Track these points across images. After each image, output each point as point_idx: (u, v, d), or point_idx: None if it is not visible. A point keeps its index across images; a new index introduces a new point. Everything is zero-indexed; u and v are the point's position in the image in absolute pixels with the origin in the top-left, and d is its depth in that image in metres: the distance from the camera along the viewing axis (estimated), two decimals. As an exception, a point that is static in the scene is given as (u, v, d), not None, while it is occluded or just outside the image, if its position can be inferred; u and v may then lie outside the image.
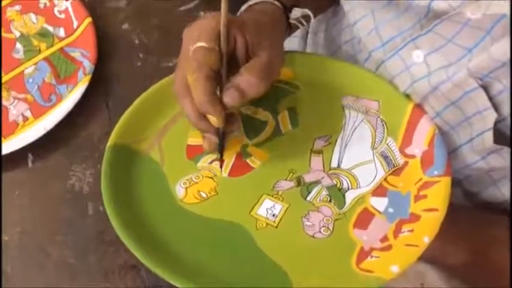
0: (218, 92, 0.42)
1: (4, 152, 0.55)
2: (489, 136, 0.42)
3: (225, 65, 0.42)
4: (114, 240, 0.51)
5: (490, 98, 0.42)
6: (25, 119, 0.58)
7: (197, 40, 0.41)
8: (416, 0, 0.44)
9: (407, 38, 0.47)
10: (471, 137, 0.45)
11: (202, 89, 0.40)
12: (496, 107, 0.42)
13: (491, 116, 0.42)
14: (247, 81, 0.41)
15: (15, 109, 0.58)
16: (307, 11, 0.51)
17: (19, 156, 0.56)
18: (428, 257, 0.40)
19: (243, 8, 0.50)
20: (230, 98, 0.41)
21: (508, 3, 0.38)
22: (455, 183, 0.46)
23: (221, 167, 0.47)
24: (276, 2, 0.49)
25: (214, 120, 0.42)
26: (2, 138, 0.56)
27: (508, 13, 0.39)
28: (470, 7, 0.40)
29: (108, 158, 0.46)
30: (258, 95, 0.42)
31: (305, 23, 0.52)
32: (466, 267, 0.47)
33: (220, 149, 0.46)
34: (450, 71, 0.44)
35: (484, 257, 0.46)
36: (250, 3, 0.50)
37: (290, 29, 0.52)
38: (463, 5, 0.41)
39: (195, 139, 0.49)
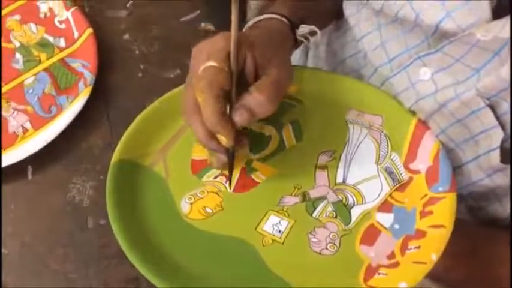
0: (228, 111, 0.42)
1: (3, 164, 0.54)
2: (496, 155, 0.43)
3: (235, 85, 0.42)
4: (115, 254, 0.51)
5: (497, 117, 0.43)
6: (25, 130, 0.57)
7: (207, 60, 0.41)
8: (424, 19, 0.44)
9: (414, 55, 0.47)
10: (477, 154, 0.45)
11: (212, 109, 0.40)
12: (503, 126, 0.43)
13: (498, 135, 0.42)
14: (257, 100, 0.41)
15: (14, 120, 0.58)
16: (315, 28, 0.51)
17: (19, 168, 0.55)
18: (430, 272, 0.40)
19: (250, 23, 0.50)
20: (240, 118, 0.41)
21: None
22: (459, 199, 0.47)
23: (230, 185, 0.47)
24: (283, 19, 0.49)
25: (224, 139, 0.41)
26: (2, 150, 0.55)
27: None
28: (480, 29, 0.41)
29: (112, 174, 0.45)
30: (268, 114, 0.42)
31: (311, 39, 0.52)
32: (468, 283, 0.48)
33: (230, 168, 0.45)
34: (458, 89, 0.45)
35: (486, 273, 0.47)
36: (256, 19, 0.50)
37: (296, 45, 0.52)
38: (473, 27, 0.41)
39: (199, 154, 0.49)
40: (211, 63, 0.40)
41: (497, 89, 0.42)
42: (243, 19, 0.55)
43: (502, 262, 0.46)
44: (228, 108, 0.42)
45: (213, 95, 0.40)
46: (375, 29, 0.51)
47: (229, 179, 0.46)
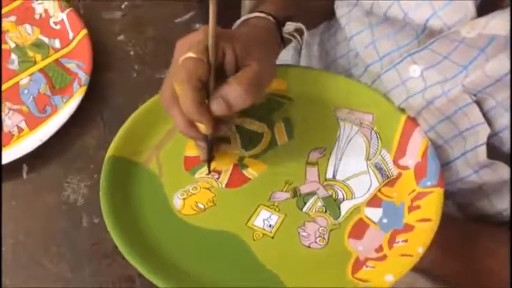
0: (207, 100, 0.43)
1: (-2, 163, 0.55)
2: (482, 151, 0.43)
3: (213, 76, 0.43)
4: (109, 253, 0.51)
5: (484, 114, 0.43)
6: (20, 130, 0.57)
7: (187, 51, 0.42)
8: (412, 18, 0.45)
9: (404, 53, 0.48)
10: (465, 150, 0.46)
11: (190, 99, 0.41)
12: (489, 122, 0.43)
13: (485, 131, 0.43)
14: (235, 91, 0.41)
15: (9, 120, 0.58)
16: (300, 25, 0.52)
17: (14, 167, 0.56)
18: (420, 267, 0.41)
19: (238, 22, 0.51)
20: (217, 107, 0.42)
21: (503, 25, 0.39)
22: (448, 196, 0.47)
23: (209, 172, 0.48)
24: (269, 17, 0.50)
25: (202, 127, 0.42)
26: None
27: (502, 33, 0.40)
28: (465, 26, 0.41)
29: (106, 170, 0.46)
30: (245, 106, 0.42)
31: (298, 37, 0.53)
32: (457, 278, 0.48)
33: (209, 156, 0.47)
34: (446, 86, 0.45)
35: (475, 268, 0.47)
36: (244, 17, 0.51)
37: (284, 42, 0.53)
38: (459, 24, 0.42)
39: (192, 151, 0.49)
40: (190, 54, 0.41)
41: (483, 85, 0.43)
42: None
43: (492, 257, 0.46)
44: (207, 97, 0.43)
45: (191, 85, 0.40)
46: (366, 28, 0.51)
47: (208, 166, 0.47)
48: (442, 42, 0.44)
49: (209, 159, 0.47)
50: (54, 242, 0.53)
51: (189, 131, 0.43)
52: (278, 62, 0.54)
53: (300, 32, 0.52)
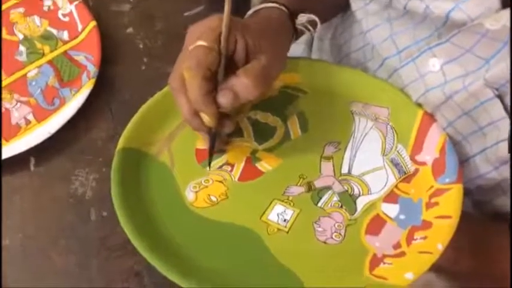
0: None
1: (6, 155, 0.54)
2: (504, 146, 0.43)
3: (223, 66, 0.42)
4: (117, 246, 0.51)
5: (505, 108, 0.43)
6: (28, 122, 0.57)
7: (198, 38, 0.41)
8: (433, 10, 0.44)
9: (424, 46, 0.47)
10: (485, 147, 0.45)
11: (198, 88, 0.40)
12: (510, 117, 0.42)
13: (507, 126, 0.42)
14: (243, 83, 0.41)
15: (17, 112, 0.58)
16: (314, 17, 0.51)
17: (21, 159, 0.55)
18: (436, 264, 0.40)
19: (250, 12, 0.50)
20: (224, 98, 0.41)
21: None
22: (466, 193, 0.46)
23: (209, 167, 0.47)
24: (282, 7, 0.49)
25: (206, 118, 0.42)
26: (5, 142, 0.55)
27: None
28: (489, 19, 0.41)
29: (117, 162, 0.45)
30: (253, 98, 0.42)
31: (311, 29, 0.52)
32: (473, 275, 0.48)
33: (211, 150, 0.46)
34: (467, 80, 0.44)
35: (491, 265, 0.46)
36: (256, 8, 0.50)
37: (296, 34, 0.52)
38: (482, 16, 0.41)
39: (203, 143, 0.49)
40: (202, 42, 0.41)
41: (506, 77, 0.42)
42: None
43: (508, 255, 0.46)
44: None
45: (200, 74, 0.40)
46: (384, 22, 0.51)
47: (209, 160, 0.47)
48: (464, 35, 0.43)
49: (211, 153, 0.46)
50: (63, 235, 0.52)
51: (193, 120, 0.43)
52: (288, 56, 0.54)
53: (313, 23, 0.51)
